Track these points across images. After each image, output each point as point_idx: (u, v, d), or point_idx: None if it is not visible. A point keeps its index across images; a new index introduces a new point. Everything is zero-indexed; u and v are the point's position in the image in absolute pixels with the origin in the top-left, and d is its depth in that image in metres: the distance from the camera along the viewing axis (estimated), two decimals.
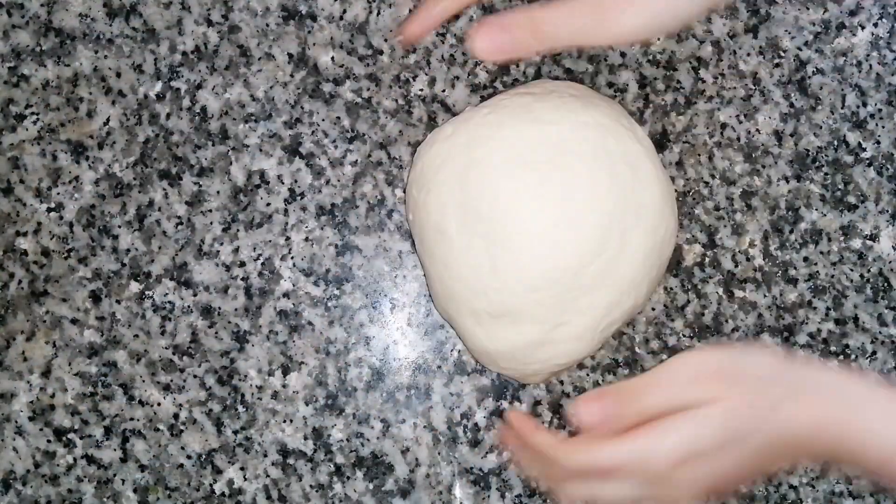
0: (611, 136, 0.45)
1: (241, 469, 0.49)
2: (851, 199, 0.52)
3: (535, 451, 0.40)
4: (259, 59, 0.52)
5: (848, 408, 0.37)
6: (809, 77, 0.53)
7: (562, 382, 0.50)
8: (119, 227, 0.50)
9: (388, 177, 0.51)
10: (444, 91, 0.52)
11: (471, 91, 0.52)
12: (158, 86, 0.51)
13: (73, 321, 0.49)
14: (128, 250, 0.50)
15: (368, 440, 0.49)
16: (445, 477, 0.49)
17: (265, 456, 0.49)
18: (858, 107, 0.53)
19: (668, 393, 0.37)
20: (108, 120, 0.51)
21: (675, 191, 0.52)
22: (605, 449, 0.37)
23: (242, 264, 0.50)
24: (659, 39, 0.52)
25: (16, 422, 0.49)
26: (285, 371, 0.50)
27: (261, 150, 0.51)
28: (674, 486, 0.38)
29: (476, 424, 0.49)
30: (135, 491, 0.49)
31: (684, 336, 0.50)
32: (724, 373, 0.37)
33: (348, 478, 0.49)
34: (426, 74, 0.52)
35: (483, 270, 0.44)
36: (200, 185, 0.51)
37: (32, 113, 0.51)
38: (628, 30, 0.37)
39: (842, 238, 0.51)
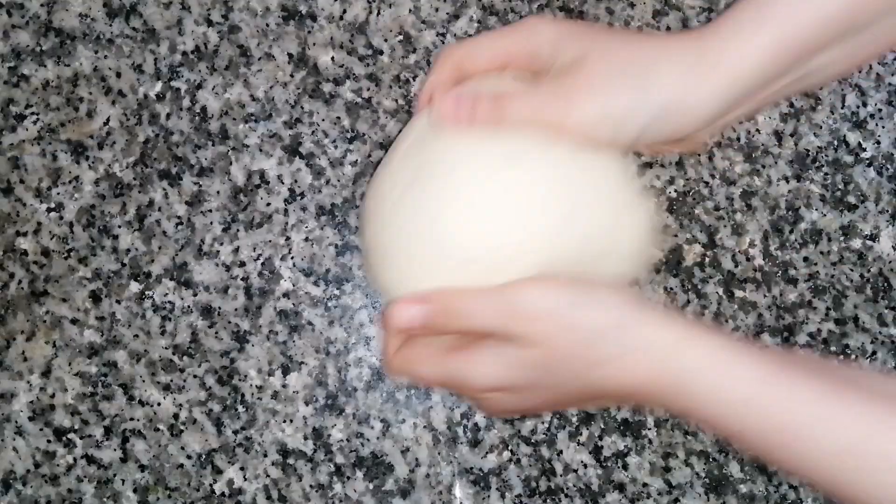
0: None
1: (241, 469, 0.49)
2: (851, 199, 0.52)
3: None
4: (259, 59, 0.52)
5: (674, 373, 0.35)
6: None
7: None
8: (119, 227, 0.50)
9: None
10: None
11: None
12: (158, 86, 0.51)
13: (73, 321, 0.49)
14: (128, 250, 0.50)
15: (368, 440, 0.49)
16: (445, 477, 0.49)
17: (265, 456, 0.49)
18: (858, 107, 0.53)
19: (496, 322, 0.37)
20: (108, 120, 0.51)
21: (675, 191, 0.52)
22: (424, 367, 0.39)
23: (242, 264, 0.50)
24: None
25: (16, 422, 0.49)
26: (285, 371, 0.50)
27: (261, 150, 0.51)
28: (485, 405, 0.40)
29: (476, 424, 0.49)
30: (135, 491, 0.49)
31: None
32: (557, 317, 0.36)
33: (348, 478, 0.49)
34: (426, 74, 0.52)
35: (388, 203, 0.43)
36: (200, 185, 0.51)
37: (32, 113, 0.51)
38: (586, 119, 0.37)
39: (842, 238, 0.51)
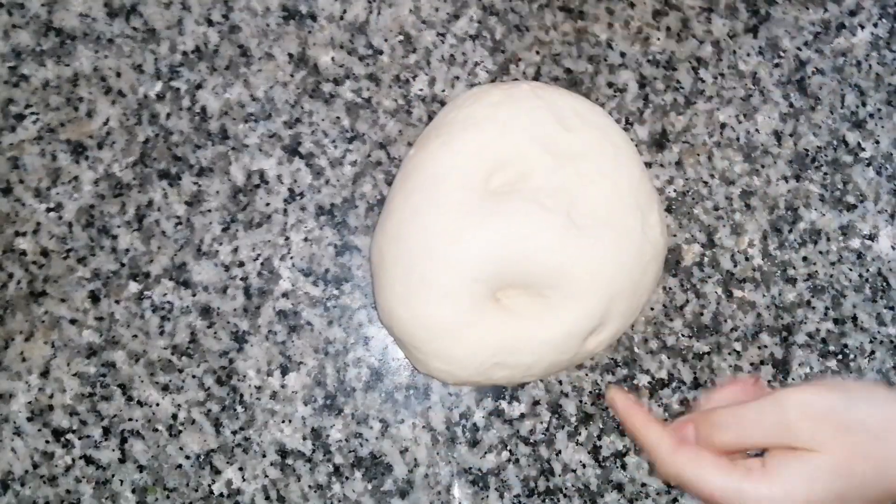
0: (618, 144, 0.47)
1: (240, 469, 0.49)
2: (850, 199, 0.52)
3: (640, 441, 0.40)
4: (259, 58, 0.52)
5: None
6: (809, 77, 0.53)
7: (560, 382, 0.50)
8: (118, 227, 0.50)
9: (388, 177, 0.51)
10: (443, 91, 0.52)
11: None
12: (158, 86, 0.51)
13: (72, 321, 0.49)
14: (127, 250, 0.50)
15: (367, 440, 0.49)
16: (444, 477, 0.49)
17: (264, 456, 0.49)
18: (858, 107, 0.53)
19: (775, 430, 0.36)
20: (107, 120, 0.51)
21: (674, 190, 0.52)
22: (709, 479, 0.36)
23: (241, 264, 0.50)
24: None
25: (14, 422, 0.49)
26: (284, 371, 0.49)
27: (260, 150, 0.51)
28: None
29: (475, 424, 0.49)
30: (133, 491, 0.49)
31: (683, 336, 0.50)
32: (834, 418, 0.35)
33: (347, 478, 0.49)
34: (426, 74, 0.52)
35: (442, 237, 0.44)
36: (200, 185, 0.51)
37: (32, 113, 0.51)
38: None
39: (841, 238, 0.51)
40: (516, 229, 0.44)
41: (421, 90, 0.52)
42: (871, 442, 0.35)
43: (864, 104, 0.53)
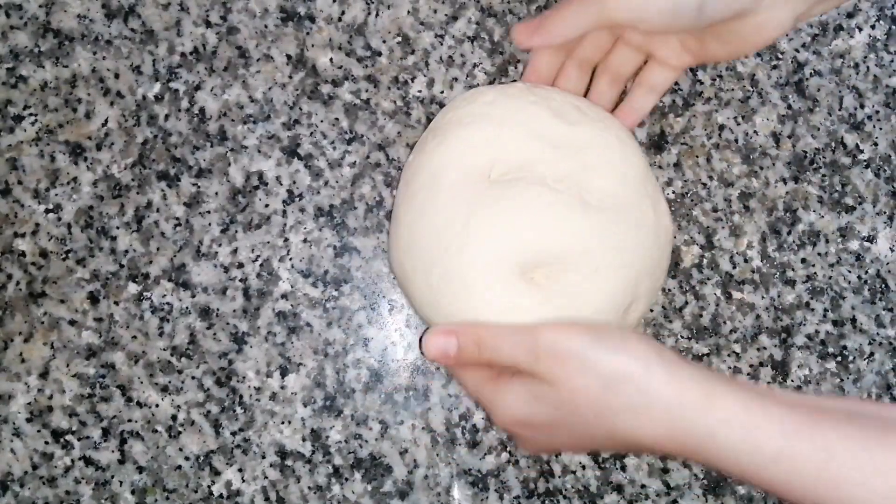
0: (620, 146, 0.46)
1: (240, 471, 0.49)
2: (849, 201, 0.52)
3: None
4: (258, 60, 0.52)
5: (700, 431, 0.35)
6: (807, 79, 0.53)
7: None
8: (117, 228, 0.50)
9: (387, 178, 0.51)
10: (442, 92, 0.52)
11: None
12: (157, 87, 0.51)
13: (71, 322, 0.49)
14: (126, 251, 0.50)
15: (367, 441, 0.49)
16: (444, 478, 0.49)
17: (263, 457, 0.49)
18: (856, 108, 0.53)
19: (522, 358, 0.39)
20: (106, 121, 0.51)
21: (673, 192, 0.52)
22: (468, 380, 0.42)
23: (241, 265, 0.50)
24: None
25: (13, 423, 0.49)
26: (283, 372, 0.50)
27: (259, 152, 0.51)
28: (517, 436, 0.42)
29: (474, 426, 0.49)
30: (132, 492, 0.49)
31: (682, 337, 0.51)
32: (577, 359, 0.37)
33: (347, 479, 0.49)
34: (424, 76, 0.52)
35: (449, 230, 0.43)
36: (199, 187, 0.51)
37: (31, 114, 0.51)
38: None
39: (839, 239, 0.52)
40: (527, 210, 0.43)
41: (419, 92, 0.52)
42: (599, 388, 0.37)
43: (862, 106, 0.53)
